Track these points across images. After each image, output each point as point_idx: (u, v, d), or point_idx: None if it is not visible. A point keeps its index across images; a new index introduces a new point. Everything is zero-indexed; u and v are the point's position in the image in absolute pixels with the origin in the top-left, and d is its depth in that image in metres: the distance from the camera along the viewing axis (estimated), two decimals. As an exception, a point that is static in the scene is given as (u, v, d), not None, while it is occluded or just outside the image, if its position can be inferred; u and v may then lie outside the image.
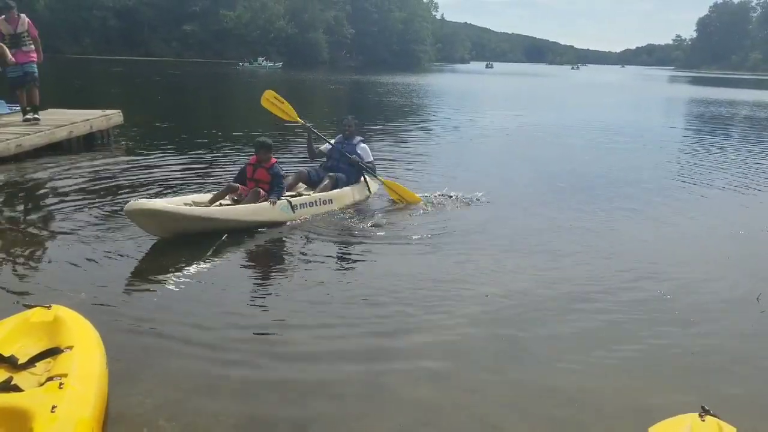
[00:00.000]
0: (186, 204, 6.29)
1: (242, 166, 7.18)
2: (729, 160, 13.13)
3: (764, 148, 15.57)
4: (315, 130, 7.97)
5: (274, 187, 6.72)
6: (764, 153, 14.70)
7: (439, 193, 8.29)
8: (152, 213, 5.68)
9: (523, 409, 3.52)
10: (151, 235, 5.94)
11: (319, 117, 17.62)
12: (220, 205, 6.52)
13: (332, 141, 8.03)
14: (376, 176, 8.14)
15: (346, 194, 7.66)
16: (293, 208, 6.84)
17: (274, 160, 6.90)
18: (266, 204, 6.57)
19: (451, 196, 8.19)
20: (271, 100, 8.01)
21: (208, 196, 6.66)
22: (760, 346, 4.43)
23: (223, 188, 6.83)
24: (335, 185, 7.58)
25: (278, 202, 6.67)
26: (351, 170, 7.86)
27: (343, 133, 8.06)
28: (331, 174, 7.63)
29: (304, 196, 7.13)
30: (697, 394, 3.61)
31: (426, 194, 8.15)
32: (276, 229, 6.55)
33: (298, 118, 8.05)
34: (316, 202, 7.15)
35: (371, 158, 8.10)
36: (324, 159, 8.10)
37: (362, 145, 8.02)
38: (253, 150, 6.84)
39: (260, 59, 65.71)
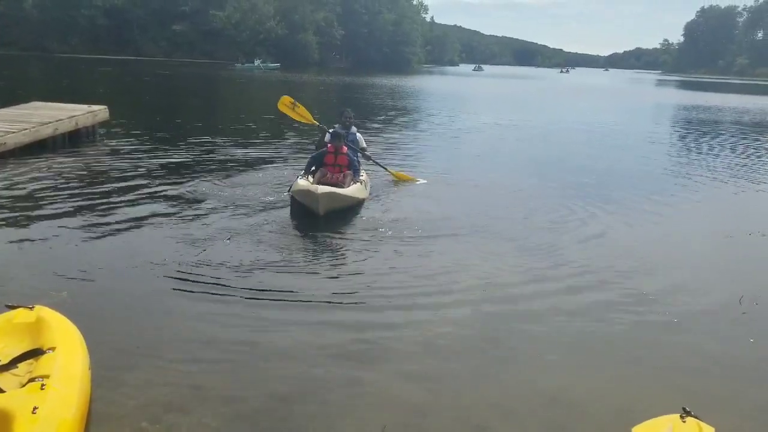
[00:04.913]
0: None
1: (316, 153, 8.09)
2: (717, 164, 13.24)
3: (752, 153, 15.74)
4: (325, 128, 8.69)
5: (355, 171, 7.82)
6: (752, 157, 14.86)
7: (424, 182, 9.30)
8: (333, 196, 6.87)
9: (508, 409, 3.54)
10: (139, 234, 6.07)
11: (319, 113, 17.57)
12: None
13: (330, 131, 8.61)
14: (372, 159, 9.05)
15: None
16: (366, 187, 7.89)
17: (345, 148, 7.93)
18: (360, 185, 7.69)
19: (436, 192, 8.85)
20: (288, 105, 8.93)
21: (304, 181, 7.20)
22: (741, 347, 4.48)
23: (319, 173, 7.66)
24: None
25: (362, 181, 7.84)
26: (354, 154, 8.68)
27: (343, 123, 8.80)
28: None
29: (363, 177, 8.07)
30: (679, 395, 3.65)
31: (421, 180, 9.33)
32: (259, 227, 6.54)
33: (313, 120, 8.99)
34: (367, 182, 8.12)
35: (365, 144, 8.99)
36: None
37: (358, 135, 8.82)
38: (330, 140, 8.04)
39: (257, 60, 64.58)
